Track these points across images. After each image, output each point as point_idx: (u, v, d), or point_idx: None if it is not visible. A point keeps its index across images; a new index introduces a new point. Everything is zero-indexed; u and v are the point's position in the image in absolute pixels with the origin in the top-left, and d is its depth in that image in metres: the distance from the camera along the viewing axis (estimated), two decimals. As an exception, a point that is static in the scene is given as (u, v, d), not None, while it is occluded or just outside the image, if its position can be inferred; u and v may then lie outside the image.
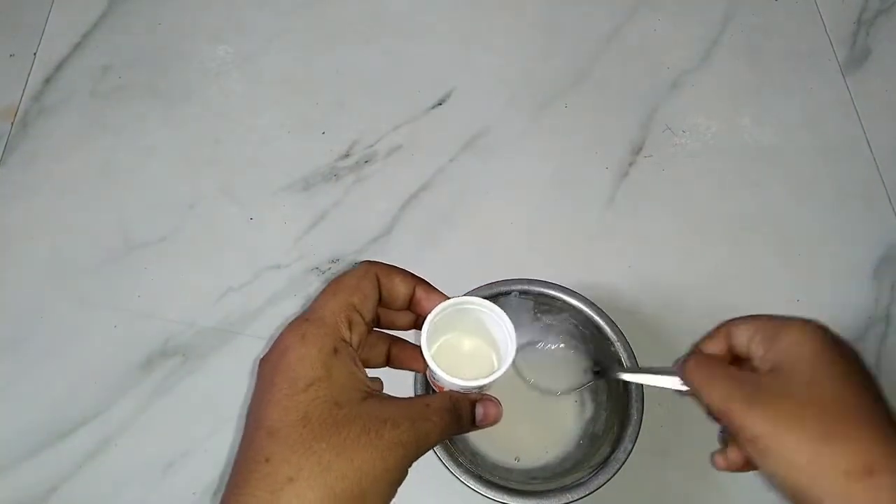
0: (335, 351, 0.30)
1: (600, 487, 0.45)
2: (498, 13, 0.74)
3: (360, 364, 0.32)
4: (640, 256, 0.61)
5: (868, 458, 0.28)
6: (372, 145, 0.65)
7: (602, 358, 0.50)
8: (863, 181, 0.66)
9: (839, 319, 0.60)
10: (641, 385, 0.48)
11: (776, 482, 0.31)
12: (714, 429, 0.37)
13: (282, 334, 0.31)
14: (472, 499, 0.45)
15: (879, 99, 0.71)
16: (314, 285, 0.59)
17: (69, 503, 0.50)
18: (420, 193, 0.63)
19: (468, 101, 0.68)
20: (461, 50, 0.71)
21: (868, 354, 0.58)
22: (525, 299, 0.52)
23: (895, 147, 0.68)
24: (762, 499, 0.41)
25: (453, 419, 0.32)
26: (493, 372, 0.35)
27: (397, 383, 0.41)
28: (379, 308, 0.35)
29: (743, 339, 0.36)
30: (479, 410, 0.34)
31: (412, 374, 0.49)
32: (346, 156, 0.65)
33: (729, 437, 0.35)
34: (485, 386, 0.35)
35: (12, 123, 0.64)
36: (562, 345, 0.52)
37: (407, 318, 0.37)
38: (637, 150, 0.67)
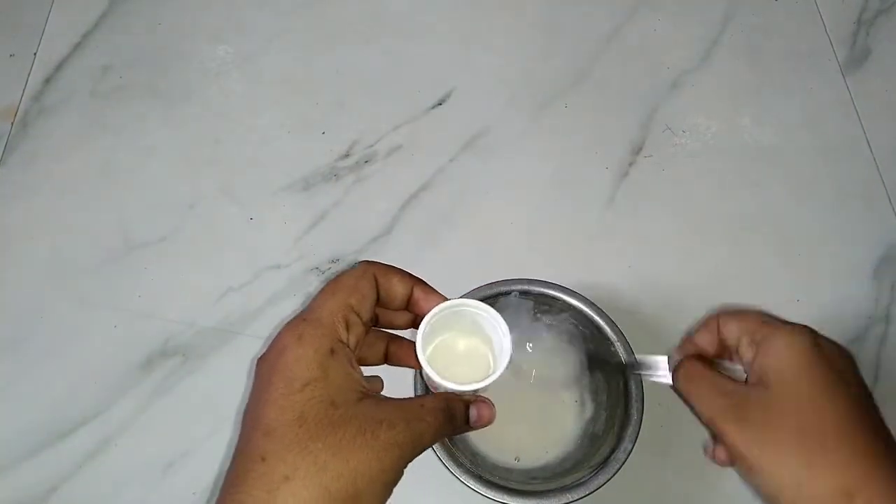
0: (332, 352, 0.31)
1: (600, 487, 0.45)
2: (498, 13, 0.74)
3: (356, 365, 0.32)
4: (640, 256, 0.61)
5: (847, 482, 0.29)
6: (372, 145, 0.65)
7: (600, 352, 0.51)
8: (863, 181, 0.66)
9: (839, 319, 0.60)
10: (641, 385, 0.48)
11: (760, 495, 0.32)
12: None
13: (279, 334, 0.32)
14: (472, 499, 0.45)
15: (879, 99, 0.71)
16: (314, 285, 0.59)
17: (69, 503, 0.50)
18: (420, 193, 0.63)
19: (468, 101, 0.68)
20: (461, 50, 0.71)
21: (868, 354, 0.58)
22: (525, 299, 0.52)
23: (895, 147, 0.68)
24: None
25: (447, 420, 0.32)
26: (487, 377, 0.35)
27: (397, 382, 0.42)
28: (377, 308, 0.35)
29: (732, 336, 0.36)
30: (473, 412, 0.35)
31: (412, 372, 0.49)
32: (346, 156, 0.65)
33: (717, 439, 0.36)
34: (478, 390, 0.35)
35: (12, 123, 0.64)
36: (561, 341, 0.52)
37: (405, 317, 0.37)
38: (637, 150, 0.67)
